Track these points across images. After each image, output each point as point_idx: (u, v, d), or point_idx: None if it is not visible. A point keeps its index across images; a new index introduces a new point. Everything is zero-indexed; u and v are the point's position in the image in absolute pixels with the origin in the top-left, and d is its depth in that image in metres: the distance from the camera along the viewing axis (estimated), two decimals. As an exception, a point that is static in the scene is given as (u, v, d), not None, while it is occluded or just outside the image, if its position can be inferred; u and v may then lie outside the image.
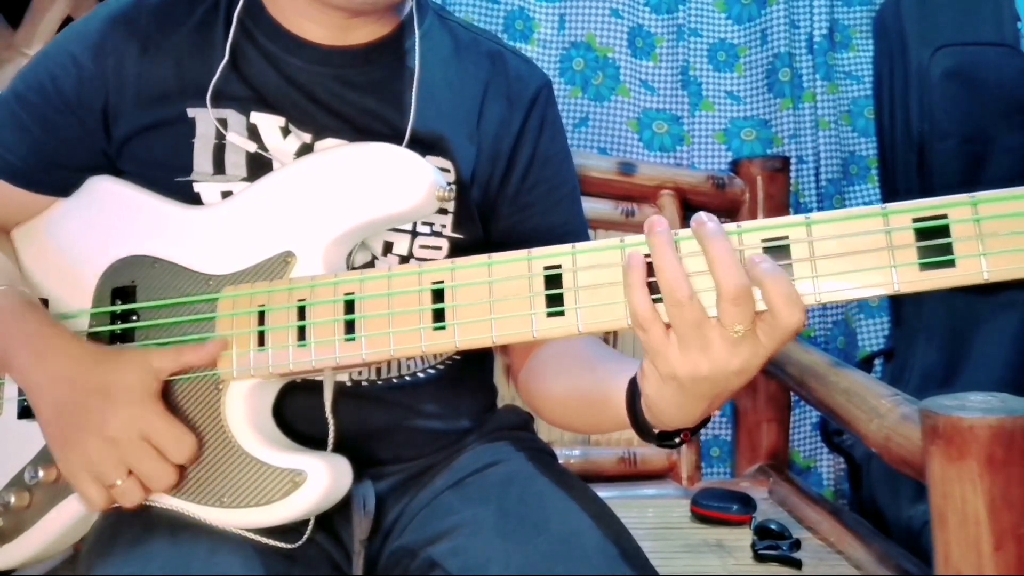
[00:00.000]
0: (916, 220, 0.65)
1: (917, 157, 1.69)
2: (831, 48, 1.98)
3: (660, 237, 0.67)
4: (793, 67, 1.95)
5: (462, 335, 0.76)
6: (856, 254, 0.66)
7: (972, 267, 0.64)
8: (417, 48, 0.98)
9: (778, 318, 0.66)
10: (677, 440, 0.77)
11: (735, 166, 1.81)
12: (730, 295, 0.65)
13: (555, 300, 0.73)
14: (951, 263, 0.64)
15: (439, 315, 0.77)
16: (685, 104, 1.96)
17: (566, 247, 0.74)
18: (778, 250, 0.67)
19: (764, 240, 0.68)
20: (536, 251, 0.75)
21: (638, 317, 0.68)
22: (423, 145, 0.95)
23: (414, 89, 0.96)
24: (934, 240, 0.65)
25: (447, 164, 0.97)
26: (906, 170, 1.72)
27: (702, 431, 1.84)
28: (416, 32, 0.98)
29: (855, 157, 2.01)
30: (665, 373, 0.70)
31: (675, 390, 0.70)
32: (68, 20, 1.72)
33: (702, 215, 0.68)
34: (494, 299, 0.75)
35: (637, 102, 1.95)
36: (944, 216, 0.65)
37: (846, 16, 2.01)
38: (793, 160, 1.91)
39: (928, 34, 1.71)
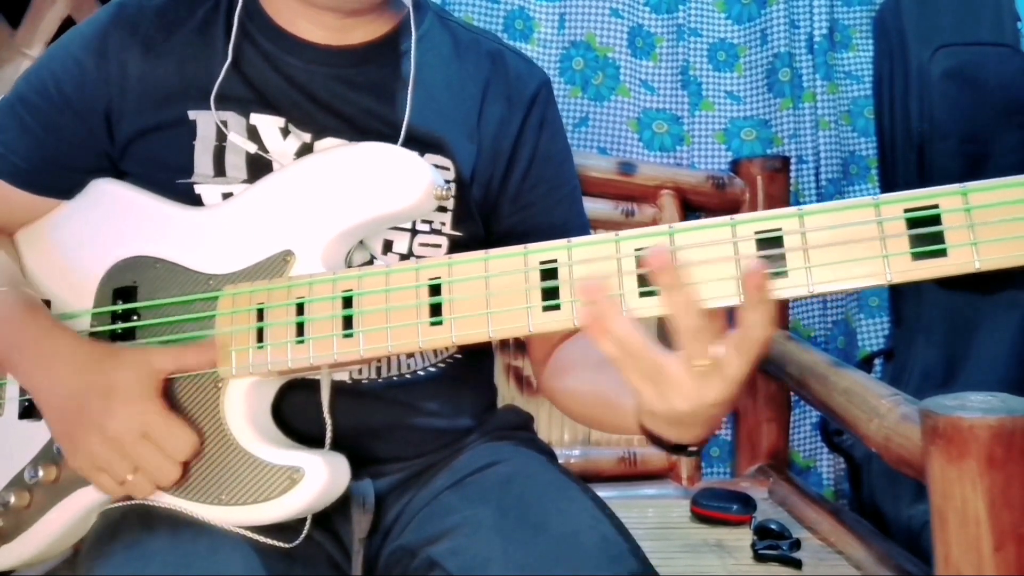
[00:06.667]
0: (907, 210, 0.66)
1: (917, 157, 1.69)
2: (831, 48, 1.98)
3: (603, 306, 0.68)
4: (793, 67, 1.95)
5: (459, 330, 0.77)
6: (849, 244, 0.66)
7: (964, 256, 0.64)
8: (415, 47, 0.98)
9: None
10: (690, 450, 0.78)
11: (735, 166, 1.80)
12: (690, 332, 0.66)
13: (551, 294, 0.74)
14: (943, 252, 0.64)
15: (436, 311, 0.78)
16: (685, 104, 1.96)
17: (562, 242, 0.74)
18: (771, 242, 0.68)
19: (757, 232, 0.68)
20: (532, 246, 0.76)
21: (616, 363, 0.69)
22: (421, 143, 0.96)
23: (410, 87, 0.96)
24: (926, 229, 0.65)
25: (446, 162, 0.97)
26: (906, 170, 1.72)
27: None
28: (415, 32, 0.99)
29: (855, 157, 2.01)
30: (646, 409, 0.72)
31: (663, 422, 0.73)
32: (68, 20, 1.72)
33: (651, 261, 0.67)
34: (490, 294, 0.76)
35: (637, 102, 1.95)
36: (935, 206, 0.65)
37: (846, 16, 2.01)
38: (793, 160, 1.91)
39: (928, 34, 1.71)
